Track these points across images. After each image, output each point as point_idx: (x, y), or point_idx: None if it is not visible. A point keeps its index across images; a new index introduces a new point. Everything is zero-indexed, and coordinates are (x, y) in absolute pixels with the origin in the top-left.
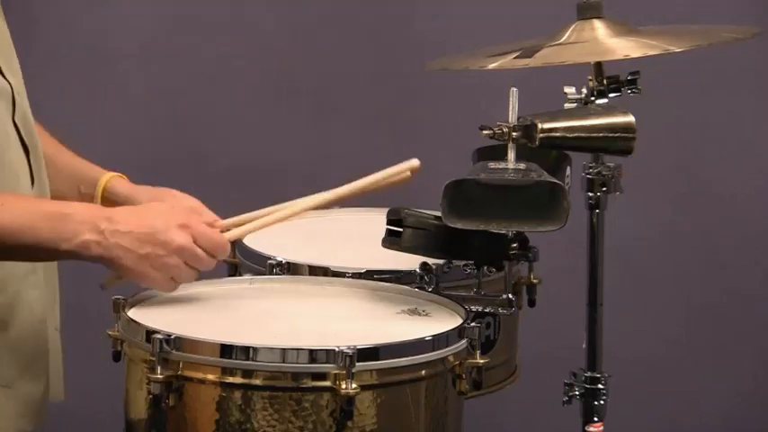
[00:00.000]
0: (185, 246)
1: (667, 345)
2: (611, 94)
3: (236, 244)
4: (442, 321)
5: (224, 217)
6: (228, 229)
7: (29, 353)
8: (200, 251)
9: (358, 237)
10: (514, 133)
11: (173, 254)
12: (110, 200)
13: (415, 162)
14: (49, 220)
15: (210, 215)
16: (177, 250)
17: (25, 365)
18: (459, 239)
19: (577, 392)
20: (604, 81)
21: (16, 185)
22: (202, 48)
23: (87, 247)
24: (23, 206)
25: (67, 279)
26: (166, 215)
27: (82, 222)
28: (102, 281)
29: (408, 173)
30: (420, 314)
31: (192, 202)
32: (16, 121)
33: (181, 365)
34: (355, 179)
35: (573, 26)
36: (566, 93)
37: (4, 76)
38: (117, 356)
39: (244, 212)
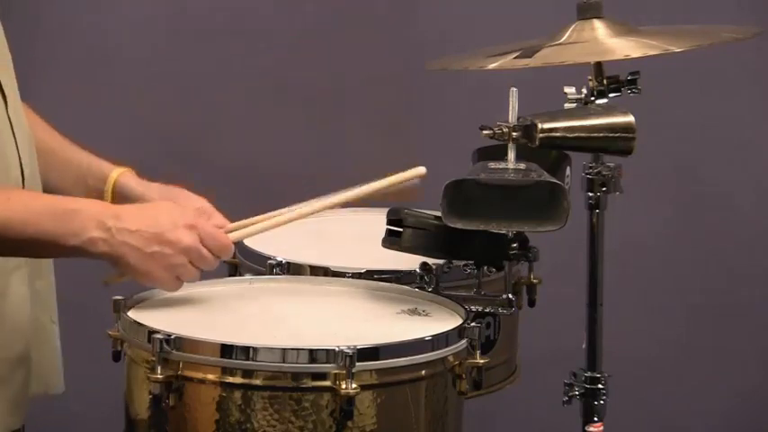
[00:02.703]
0: (192, 246)
1: (667, 345)
2: (611, 94)
3: (237, 244)
4: (442, 321)
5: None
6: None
7: (17, 350)
8: (205, 251)
9: (358, 237)
10: (514, 133)
11: (179, 253)
12: (121, 195)
13: (421, 170)
14: (56, 216)
15: (219, 217)
16: (184, 250)
17: (14, 362)
18: (460, 239)
19: (577, 392)
20: (604, 81)
21: (7, 177)
22: (202, 48)
23: (94, 243)
24: (30, 201)
25: (67, 278)
26: (174, 215)
27: (89, 219)
28: (104, 278)
29: (416, 180)
30: (420, 314)
31: (202, 202)
32: (9, 115)
33: (181, 365)
34: (355, 179)
35: (573, 26)
36: (566, 93)
37: None
38: (117, 356)
39: (243, 212)
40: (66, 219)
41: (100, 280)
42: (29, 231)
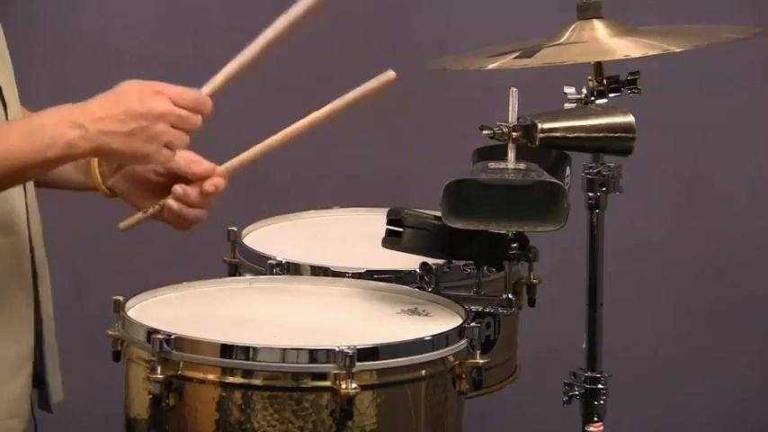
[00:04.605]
0: (166, 110)
1: (667, 345)
2: (611, 94)
3: (236, 243)
4: (442, 321)
5: (225, 219)
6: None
7: (15, 352)
8: (183, 111)
9: (358, 237)
10: (514, 133)
11: (157, 121)
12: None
13: (390, 74)
14: (28, 136)
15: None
16: (160, 116)
17: (12, 365)
18: (460, 239)
19: (577, 392)
20: (604, 81)
21: None
22: (202, 48)
23: (74, 145)
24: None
25: (67, 278)
26: (137, 87)
27: (58, 124)
28: (119, 224)
29: (384, 85)
30: (420, 314)
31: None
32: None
33: (181, 365)
34: (355, 179)
35: (573, 26)
36: (566, 93)
37: None
38: (117, 356)
39: (243, 212)
40: (37, 135)
41: (117, 226)
42: (9, 161)
